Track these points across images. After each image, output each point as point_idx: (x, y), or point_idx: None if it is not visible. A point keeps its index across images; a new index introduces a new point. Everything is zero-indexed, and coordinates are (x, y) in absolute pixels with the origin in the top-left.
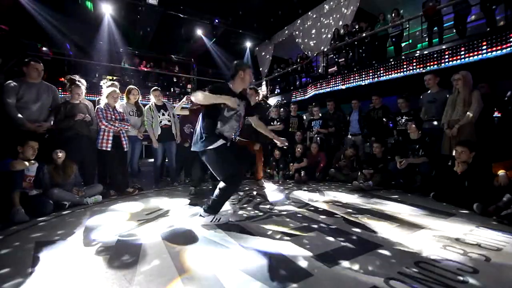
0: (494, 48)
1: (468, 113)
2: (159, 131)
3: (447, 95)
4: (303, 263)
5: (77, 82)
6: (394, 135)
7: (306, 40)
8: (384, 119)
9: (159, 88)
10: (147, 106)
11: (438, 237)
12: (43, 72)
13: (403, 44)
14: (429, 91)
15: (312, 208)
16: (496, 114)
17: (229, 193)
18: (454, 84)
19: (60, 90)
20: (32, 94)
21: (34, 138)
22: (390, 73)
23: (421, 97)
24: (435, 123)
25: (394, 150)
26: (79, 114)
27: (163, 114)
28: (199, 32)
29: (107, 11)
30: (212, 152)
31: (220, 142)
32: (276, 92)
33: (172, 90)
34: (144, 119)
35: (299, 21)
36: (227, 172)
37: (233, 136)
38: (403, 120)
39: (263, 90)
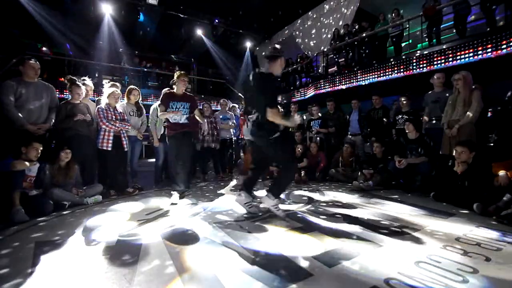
0: (493, 49)
1: (468, 113)
2: (162, 131)
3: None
4: (303, 263)
5: (77, 82)
6: (393, 134)
7: (306, 40)
8: (384, 119)
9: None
10: (154, 105)
11: (438, 237)
12: (40, 71)
13: (403, 44)
14: (432, 91)
15: (312, 208)
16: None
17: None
18: (454, 84)
19: (58, 92)
20: (30, 93)
21: (38, 139)
22: (390, 73)
23: (424, 97)
24: (434, 121)
25: (394, 150)
26: (79, 115)
27: None
28: (199, 32)
29: (107, 11)
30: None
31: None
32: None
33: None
34: (144, 119)
35: (299, 21)
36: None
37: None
38: (403, 119)
39: None
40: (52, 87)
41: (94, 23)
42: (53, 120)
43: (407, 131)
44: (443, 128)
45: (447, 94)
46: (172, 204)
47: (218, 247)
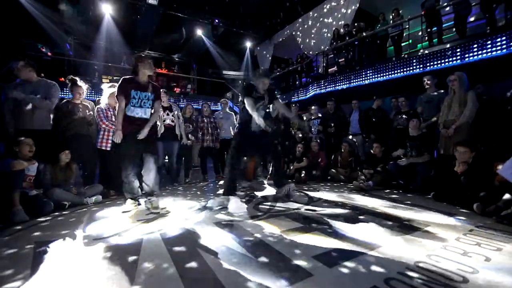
0: (493, 48)
1: (463, 113)
2: (162, 130)
3: (444, 96)
4: (303, 263)
5: (78, 82)
6: (392, 134)
7: (306, 40)
8: (384, 120)
9: (166, 91)
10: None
11: (438, 237)
12: (34, 70)
13: (403, 44)
14: (426, 92)
15: (312, 208)
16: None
17: None
18: (449, 85)
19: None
20: (26, 93)
21: (27, 136)
22: (390, 73)
23: (418, 98)
24: (434, 119)
25: (394, 148)
26: (78, 112)
27: (168, 114)
28: (199, 32)
29: (107, 11)
30: None
31: None
32: (276, 92)
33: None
34: None
35: (299, 21)
36: None
37: None
38: (403, 120)
39: None
40: (53, 84)
41: (94, 23)
42: (52, 118)
43: (410, 128)
44: (439, 128)
45: (441, 95)
46: (124, 212)
47: (218, 247)
